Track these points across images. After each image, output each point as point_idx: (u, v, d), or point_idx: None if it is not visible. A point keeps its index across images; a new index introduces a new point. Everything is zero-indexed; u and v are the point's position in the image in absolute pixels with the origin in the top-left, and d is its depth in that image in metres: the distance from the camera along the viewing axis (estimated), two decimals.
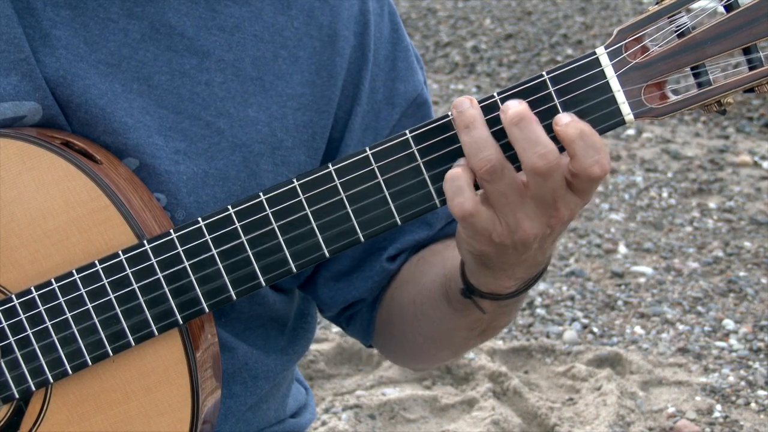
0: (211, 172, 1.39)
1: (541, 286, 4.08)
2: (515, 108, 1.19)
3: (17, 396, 1.30)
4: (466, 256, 1.30)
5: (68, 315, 1.27)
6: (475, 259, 1.28)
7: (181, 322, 1.27)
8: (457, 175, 1.20)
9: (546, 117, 1.21)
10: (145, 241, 1.26)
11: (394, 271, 1.53)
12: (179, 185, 1.37)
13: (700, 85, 1.21)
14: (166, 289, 1.27)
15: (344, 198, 1.25)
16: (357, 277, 1.53)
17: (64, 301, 1.27)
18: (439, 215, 1.54)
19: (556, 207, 1.20)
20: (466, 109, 1.20)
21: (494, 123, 1.22)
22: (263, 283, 1.27)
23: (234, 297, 1.27)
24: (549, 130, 1.20)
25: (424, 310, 1.47)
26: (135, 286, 1.26)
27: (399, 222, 1.25)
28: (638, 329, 3.81)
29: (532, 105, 1.22)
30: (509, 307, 1.38)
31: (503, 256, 1.25)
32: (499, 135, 1.20)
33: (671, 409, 3.31)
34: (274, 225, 1.25)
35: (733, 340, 3.71)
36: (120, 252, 1.26)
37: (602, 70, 1.21)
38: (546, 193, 1.19)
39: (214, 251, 1.26)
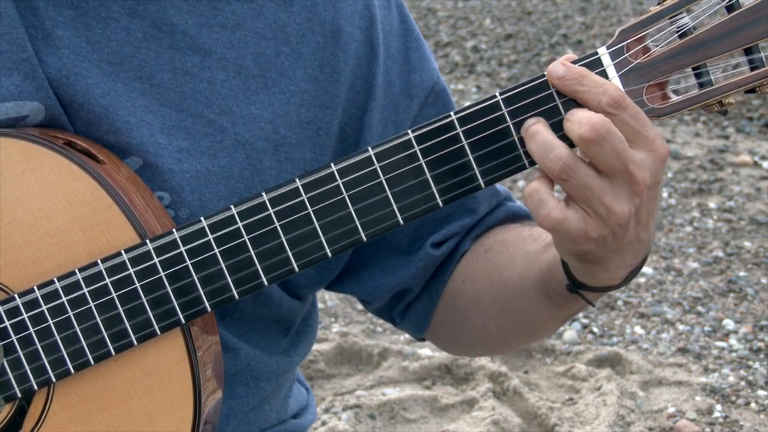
0: (215, 170, 1.39)
1: None
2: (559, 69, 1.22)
3: (19, 395, 1.30)
4: (568, 258, 1.30)
5: (71, 314, 1.27)
6: (578, 259, 1.28)
7: (183, 321, 1.27)
8: (535, 188, 1.20)
9: (548, 117, 1.22)
10: (147, 241, 1.26)
11: (439, 258, 1.53)
12: (182, 183, 1.37)
13: (701, 86, 1.21)
14: (169, 289, 1.27)
15: (347, 198, 1.25)
16: (401, 265, 1.53)
17: (67, 300, 1.27)
18: (480, 199, 1.53)
19: (630, 171, 1.19)
20: (529, 123, 1.22)
21: (496, 123, 1.22)
22: (265, 283, 1.27)
23: (236, 297, 1.27)
24: (554, 129, 1.21)
25: (514, 306, 1.46)
26: (137, 285, 1.26)
27: (401, 222, 1.25)
28: (638, 329, 3.81)
29: (534, 105, 1.22)
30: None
31: (604, 247, 1.24)
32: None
33: (671, 409, 3.31)
34: (277, 225, 1.25)
35: (733, 340, 3.71)
36: (123, 251, 1.26)
37: (604, 70, 1.21)
38: (612, 159, 1.18)
39: (217, 251, 1.26)
